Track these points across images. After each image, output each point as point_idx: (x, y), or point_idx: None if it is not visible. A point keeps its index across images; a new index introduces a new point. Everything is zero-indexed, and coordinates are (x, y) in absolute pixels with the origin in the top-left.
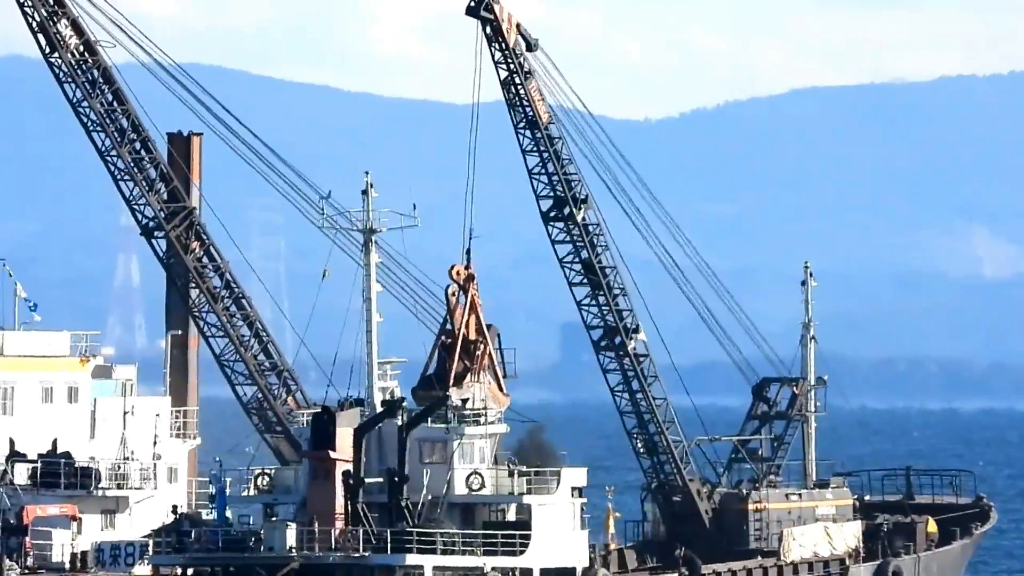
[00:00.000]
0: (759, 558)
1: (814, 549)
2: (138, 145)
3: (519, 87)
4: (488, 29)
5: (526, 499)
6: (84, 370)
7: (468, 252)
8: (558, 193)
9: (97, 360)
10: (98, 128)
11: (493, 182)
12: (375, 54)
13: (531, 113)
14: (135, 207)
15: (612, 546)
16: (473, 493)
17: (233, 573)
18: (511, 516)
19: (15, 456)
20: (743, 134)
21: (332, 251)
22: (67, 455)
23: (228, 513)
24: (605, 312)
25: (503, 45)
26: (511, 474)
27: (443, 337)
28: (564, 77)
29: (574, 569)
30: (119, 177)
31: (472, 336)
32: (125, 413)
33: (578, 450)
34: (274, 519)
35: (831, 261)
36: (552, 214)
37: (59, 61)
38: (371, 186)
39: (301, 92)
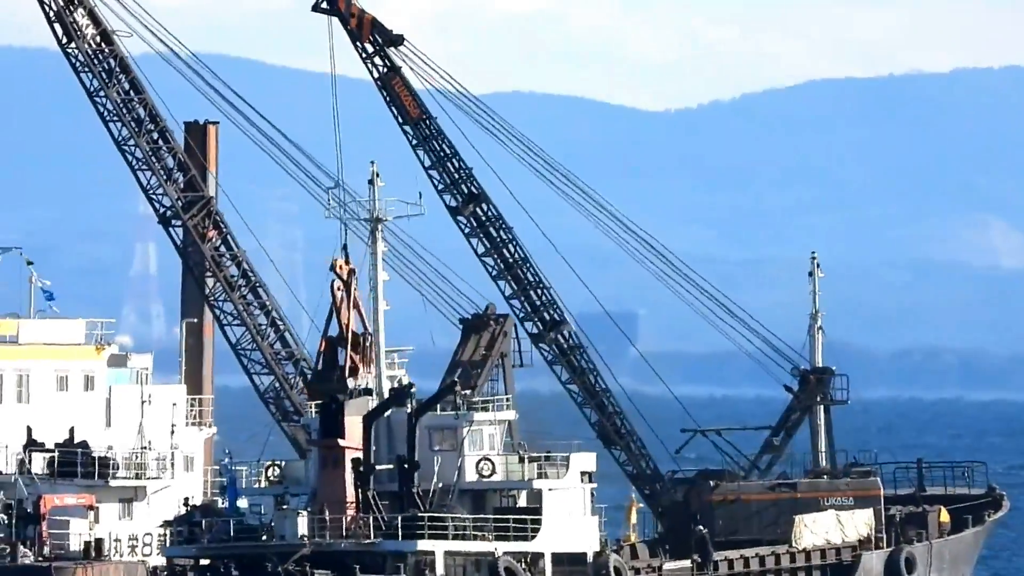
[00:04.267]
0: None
1: (826, 536)
2: (155, 135)
3: (387, 82)
4: (348, 27)
5: (536, 484)
6: (100, 358)
7: (345, 247)
8: (452, 187)
9: (112, 348)
10: (115, 118)
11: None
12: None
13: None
14: (153, 196)
15: (632, 538)
16: (484, 479)
17: (246, 562)
18: (522, 502)
19: (32, 445)
20: (760, 125)
21: (341, 240)
22: (84, 444)
23: (242, 502)
24: (524, 303)
25: (360, 43)
26: (521, 460)
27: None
28: (437, 68)
29: (585, 554)
30: (136, 167)
31: (357, 329)
32: (143, 402)
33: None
34: (284, 507)
35: (849, 251)
36: (457, 208)
37: (75, 51)
38: (377, 175)
39: (318, 81)
